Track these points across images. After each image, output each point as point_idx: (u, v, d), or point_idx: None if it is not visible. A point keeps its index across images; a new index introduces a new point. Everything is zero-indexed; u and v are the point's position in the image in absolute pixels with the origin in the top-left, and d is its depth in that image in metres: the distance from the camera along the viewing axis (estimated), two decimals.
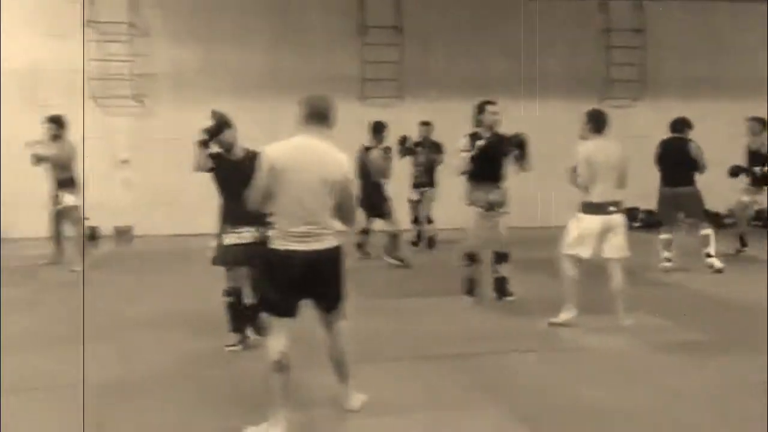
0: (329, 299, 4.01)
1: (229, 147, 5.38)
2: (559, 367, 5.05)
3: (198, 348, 5.50)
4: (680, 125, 8.60)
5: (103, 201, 10.84)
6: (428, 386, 4.65)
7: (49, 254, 8.80)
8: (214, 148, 5.40)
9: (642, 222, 11.54)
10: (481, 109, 6.79)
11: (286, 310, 3.88)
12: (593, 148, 5.91)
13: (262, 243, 5.11)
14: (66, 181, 8.52)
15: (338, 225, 4.01)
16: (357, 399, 4.22)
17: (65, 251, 8.78)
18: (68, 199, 8.49)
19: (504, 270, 6.92)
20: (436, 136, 10.16)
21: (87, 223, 11.05)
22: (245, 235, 5.24)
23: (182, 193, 11.06)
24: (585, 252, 5.86)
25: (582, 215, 5.92)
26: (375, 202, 8.69)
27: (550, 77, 12.35)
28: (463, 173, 6.79)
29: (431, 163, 10.07)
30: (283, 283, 3.85)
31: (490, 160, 6.67)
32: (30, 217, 9.91)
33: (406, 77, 12.29)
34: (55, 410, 4.30)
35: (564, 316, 5.98)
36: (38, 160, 8.31)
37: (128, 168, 11.52)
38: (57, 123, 8.47)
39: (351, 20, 12.13)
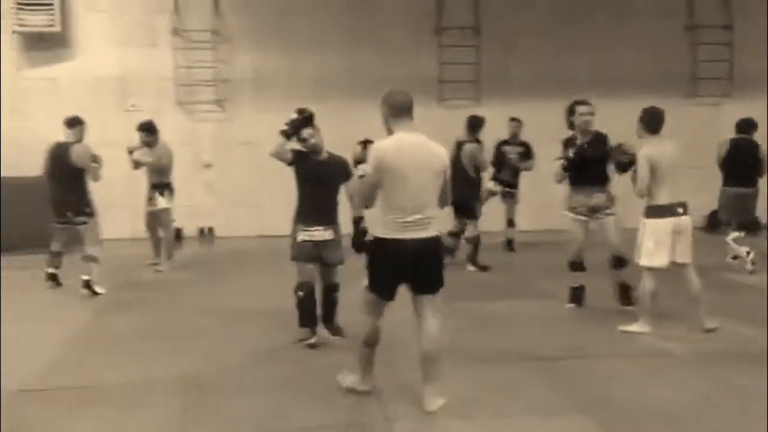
0: (428, 285, 4.25)
1: (313, 148, 5.57)
2: (641, 374, 4.91)
3: (276, 342, 5.63)
4: (746, 126, 8.48)
5: (187, 203, 11.23)
6: (512, 391, 4.60)
7: (151, 255, 9.11)
8: (297, 146, 5.57)
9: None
10: (571, 110, 6.56)
11: (389, 293, 4.24)
12: (654, 148, 5.71)
13: (333, 241, 5.46)
14: (160, 185, 8.82)
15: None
16: (436, 402, 4.27)
17: (160, 251, 9.08)
18: (161, 201, 8.79)
19: (624, 275, 6.48)
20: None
21: (173, 225, 11.51)
22: (316, 233, 5.48)
23: (262, 195, 11.36)
24: (662, 260, 5.67)
25: (650, 220, 5.71)
26: (467, 200, 8.48)
27: (634, 75, 11.99)
28: (559, 181, 6.58)
29: (518, 164, 9.93)
30: (388, 270, 4.18)
31: (590, 163, 6.36)
32: (121, 219, 10.39)
33: (484, 79, 12.20)
34: (158, 407, 4.45)
35: (638, 327, 5.82)
36: (137, 164, 8.65)
37: (211, 171, 11.86)
38: (148, 130, 8.76)
39: (428, 22, 12.12)
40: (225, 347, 5.65)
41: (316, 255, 5.55)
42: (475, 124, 8.85)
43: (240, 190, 11.76)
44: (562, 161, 6.50)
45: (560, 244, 6.29)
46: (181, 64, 11.64)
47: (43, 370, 5.03)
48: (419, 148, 4.19)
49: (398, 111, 4.20)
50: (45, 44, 11.35)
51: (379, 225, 4.19)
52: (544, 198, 11.81)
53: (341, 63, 11.98)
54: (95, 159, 7.71)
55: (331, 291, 5.74)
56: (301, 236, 5.52)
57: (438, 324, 4.27)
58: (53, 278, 7.82)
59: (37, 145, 10.83)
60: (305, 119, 5.51)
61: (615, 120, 6.87)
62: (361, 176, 4.60)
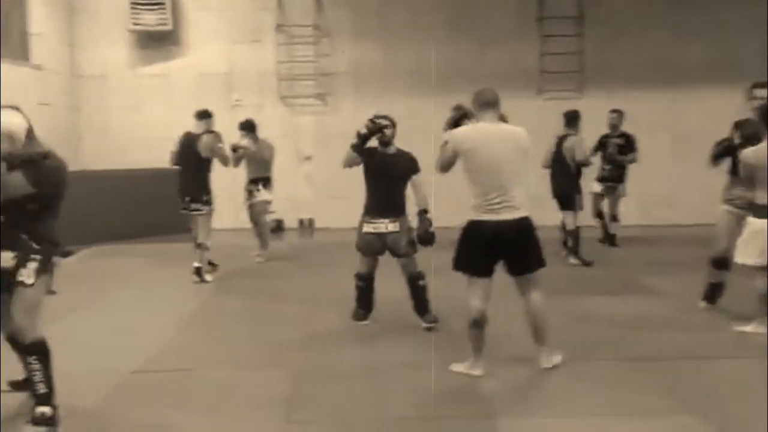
0: (521, 264, 4.57)
1: (387, 142, 5.79)
2: (755, 374, 4.63)
3: (374, 331, 5.69)
4: None
5: (288, 195, 11.51)
6: (615, 390, 4.45)
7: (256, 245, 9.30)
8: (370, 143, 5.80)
9: None
10: (752, 93, 6.13)
11: (483, 271, 4.50)
12: (758, 149, 5.38)
13: (396, 233, 5.67)
14: (260, 178, 9.03)
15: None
16: (551, 359, 4.71)
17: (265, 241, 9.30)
18: (262, 194, 9.01)
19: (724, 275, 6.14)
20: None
21: (273, 216, 11.82)
22: (380, 226, 5.68)
23: (361, 187, 11.42)
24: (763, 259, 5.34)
25: (755, 219, 5.42)
26: (568, 193, 8.42)
27: (749, 62, 11.32)
28: (716, 165, 6.13)
29: (616, 156, 9.60)
30: (480, 249, 4.46)
31: None
32: (224, 210, 10.75)
33: (587, 69, 11.84)
34: (261, 392, 4.57)
35: (754, 328, 5.51)
36: (238, 161, 8.88)
37: (311, 164, 12.08)
38: (248, 128, 9.01)
39: (529, 11, 11.87)
40: (324, 335, 5.75)
41: (380, 247, 5.73)
42: (572, 118, 8.65)
43: (339, 182, 11.87)
44: (720, 148, 6.07)
45: (663, 240, 6.11)
46: (284, 59, 11.91)
47: (154, 354, 5.26)
48: (501, 134, 4.55)
49: (483, 105, 4.57)
50: (157, 42, 11.89)
51: (471, 208, 4.49)
52: (648, 193, 11.42)
53: (441, 55, 11.91)
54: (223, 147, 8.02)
55: (414, 280, 5.76)
56: (366, 228, 5.74)
57: (540, 295, 4.64)
58: (198, 272, 7.86)
59: (149, 138, 11.48)
60: (373, 131, 5.72)
61: (726, 111, 6.51)
62: (446, 142, 4.73)
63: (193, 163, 7.81)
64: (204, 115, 8.07)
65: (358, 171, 5.94)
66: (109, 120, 11.90)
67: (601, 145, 9.69)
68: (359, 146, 5.70)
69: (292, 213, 12.02)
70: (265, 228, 9.16)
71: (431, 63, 11.93)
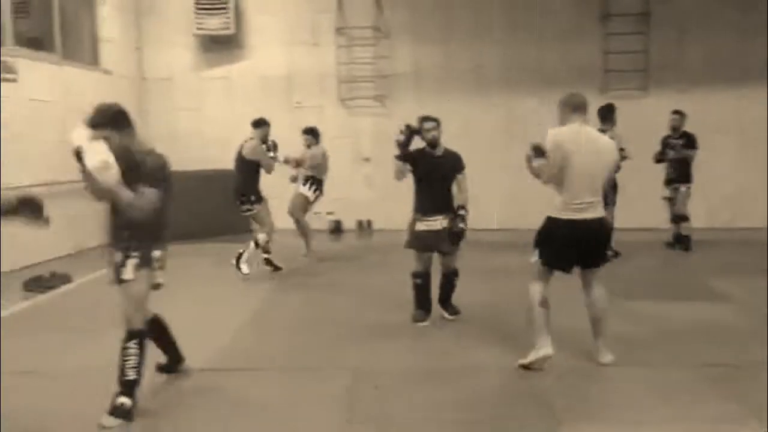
0: (595, 260, 4.83)
1: (435, 143, 5.99)
2: None
3: (433, 335, 5.66)
4: None
5: (346, 197, 11.60)
6: (685, 396, 4.35)
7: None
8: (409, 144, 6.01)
9: None
10: None
11: (563, 266, 4.79)
12: None
13: (448, 230, 5.87)
14: (309, 177, 9.14)
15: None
16: (608, 355, 4.86)
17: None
18: (302, 188, 9.12)
19: None
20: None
21: (331, 217, 11.92)
22: (435, 223, 5.89)
23: None
24: None
25: None
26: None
27: None
28: None
29: (685, 157, 9.37)
30: (561, 245, 4.70)
31: None
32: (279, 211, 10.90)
33: (652, 68, 11.55)
34: (322, 390, 4.63)
35: None
36: (307, 166, 9.08)
37: (369, 165, 12.13)
38: (312, 134, 9.23)
39: (592, 9, 11.65)
40: (384, 335, 5.77)
41: (433, 244, 5.94)
42: (607, 113, 8.56)
43: (397, 184, 11.89)
44: None
45: (731, 243, 5.90)
46: (343, 61, 11.99)
47: (216, 353, 5.36)
48: (592, 139, 4.76)
49: (575, 108, 4.76)
50: (220, 46, 12.13)
51: (554, 206, 4.70)
52: (714, 194, 11.07)
53: (501, 54, 11.82)
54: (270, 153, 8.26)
55: (451, 276, 6.11)
56: (419, 226, 5.97)
57: (602, 290, 4.87)
58: (269, 263, 8.42)
59: (211, 140, 11.73)
60: (411, 135, 6.00)
61: None
62: (531, 157, 4.85)
63: (240, 167, 8.19)
64: (259, 123, 8.39)
65: None
66: (174, 122, 12.19)
67: (663, 146, 9.49)
68: (402, 155, 5.98)
69: (350, 214, 12.10)
70: (305, 225, 9.24)
71: (491, 63, 11.85)
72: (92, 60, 11.11)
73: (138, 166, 4.01)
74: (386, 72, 12.04)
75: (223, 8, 11.70)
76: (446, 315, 6.16)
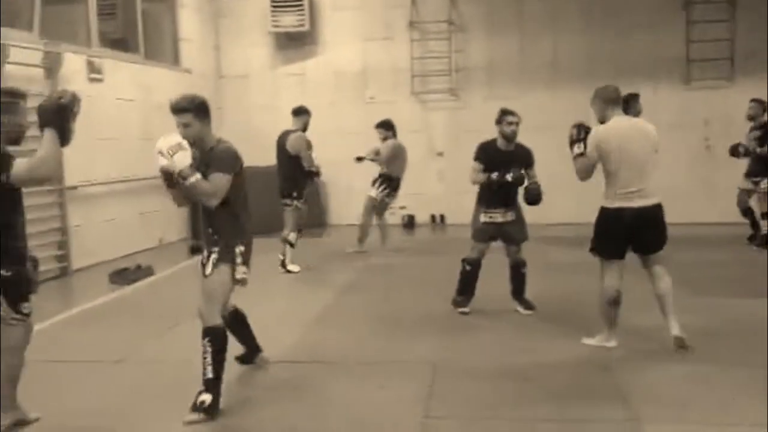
0: (653, 245, 4.98)
1: (511, 138, 5.99)
2: None
3: (503, 329, 5.60)
4: None
5: (419, 191, 11.57)
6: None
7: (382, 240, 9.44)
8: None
9: None
10: None
11: (617, 253, 4.94)
12: None
13: (515, 221, 6.02)
14: (381, 175, 9.12)
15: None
16: (679, 330, 4.96)
17: (386, 237, 9.44)
18: (370, 190, 9.10)
19: None
20: None
21: (405, 212, 11.92)
22: (497, 215, 5.99)
23: None
24: None
25: None
26: None
27: None
28: None
29: (754, 149, 8.79)
30: (617, 234, 4.88)
31: None
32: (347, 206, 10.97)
33: (738, 56, 11.07)
34: (399, 386, 4.64)
35: None
36: (362, 159, 9.09)
37: (443, 159, 12.07)
38: (385, 127, 9.17)
39: None
40: (461, 330, 5.73)
41: (496, 235, 6.07)
42: (631, 101, 8.08)
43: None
44: None
45: None
46: (416, 55, 11.96)
47: (290, 346, 5.42)
48: (636, 129, 4.96)
49: (614, 102, 4.98)
50: (294, 42, 12.29)
51: (606, 197, 4.89)
52: None
53: (578, 46, 11.55)
54: (310, 146, 8.25)
55: (519, 268, 6.14)
56: (483, 218, 6.05)
57: (664, 269, 5.00)
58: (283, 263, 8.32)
59: None
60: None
61: None
62: (579, 154, 5.02)
63: (282, 159, 8.19)
64: (299, 111, 8.36)
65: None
66: (250, 118, 12.42)
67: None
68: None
69: (423, 209, 12.08)
70: (366, 223, 9.21)
71: (568, 55, 11.60)
72: (173, 59, 11.44)
73: (210, 153, 4.12)
74: (460, 65, 11.96)
75: (299, 5, 11.85)
76: (521, 309, 6.14)
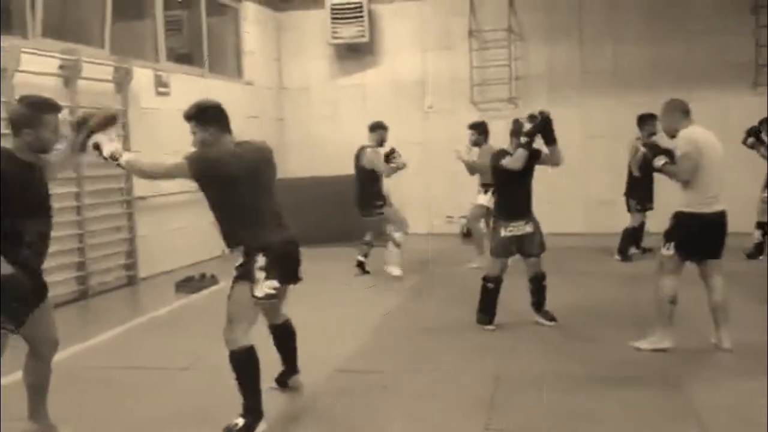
0: (717, 251, 5.13)
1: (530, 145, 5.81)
2: None
3: (560, 338, 5.49)
4: None
5: (483, 200, 11.45)
6: None
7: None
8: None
9: None
10: None
11: (694, 255, 5.14)
12: None
13: (533, 233, 5.90)
14: (484, 185, 8.63)
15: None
16: (729, 341, 5.09)
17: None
18: (481, 198, 8.74)
19: None
20: None
21: (465, 221, 11.81)
22: (517, 227, 5.87)
23: (561, 191, 11.06)
24: None
25: None
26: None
27: None
28: None
29: None
30: (696, 236, 5.04)
31: None
32: (416, 215, 10.96)
33: None
34: (459, 396, 4.63)
35: None
36: (471, 169, 8.68)
37: None
38: (478, 129, 8.79)
39: (744, 0, 10.91)
40: (524, 341, 5.68)
41: (515, 249, 5.94)
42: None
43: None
44: None
45: None
46: (475, 64, 11.92)
47: (352, 355, 5.46)
48: (711, 136, 5.13)
49: (685, 112, 5.13)
50: (354, 53, 12.41)
51: (686, 201, 5.03)
52: None
53: (642, 53, 11.31)
54: (388, 158, 8.27)
55: (539, 281, 6.05)
56: (504, 232, 5.89)
57: (721, 279, 5.16)
58: (360, 266, 8.64)
59: (345, 146, 11.99)
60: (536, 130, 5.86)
61: None
62: (665, 163, 5.13)
63: (360, 174, 8.33)
64: (375, 127, 8.45)
65: (557, 175, 5.89)
66: (310, 129, 12.60)
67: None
68: (530, 144, 5.78)
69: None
70: (479, 234, 8.87)
71: (630, 61, 11.37)
72: (236, 72, 11.70)
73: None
74: (520, 74, 11.86)
75: (359, 17, 11.96)
76: (543, 321, 6.05)
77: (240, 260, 4.00)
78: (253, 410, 3.94)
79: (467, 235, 11.80)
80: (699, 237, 5.06)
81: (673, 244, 5.09)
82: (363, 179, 8.35)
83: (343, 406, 4.46)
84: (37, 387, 3.86)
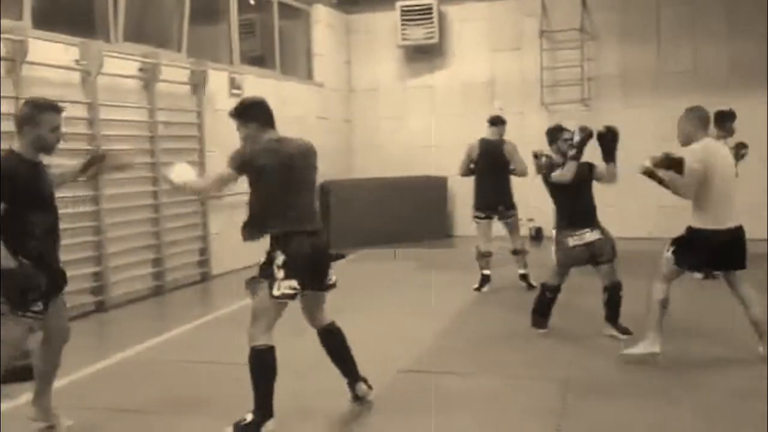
0: (736, 263, 4.99)
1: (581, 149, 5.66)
2: None
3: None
4: None
5: (547, 203, 11.28)
6: None
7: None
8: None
9: None
10: None
11: (696, 268, 5.33)
12: None
13: (601, 239, 5.67)
14: None
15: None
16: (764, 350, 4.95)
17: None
18: None
19: None
20: None
21: (532, 224, 11.70)
22: (587, 235, 5.64)
23: (625, 195, 10.81)
24: None
25: None
26: None
27: None
28: None
29: None
30: (703, 252, 4.89)
31: None
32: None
33: None
34: (529, 403, 4.60)
35: None
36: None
37: None
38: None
39: None
40: (594, 347, 5.57)
41: (586, 258, 5.70)
42: (726, 119, 7.64)
43: (602, 191, 11.45)
44: None
45: None
46: (546, 64, 11.76)
47: (420, 356, 5.45)
48: (723, 149, 5.09)
49: (706, 121, 4.97)
50: (423, 55, 12.42)
51: (699, 217, 4.89)
52: None
53: (720, 53, 10.94)
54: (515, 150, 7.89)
55: (616, 289, 5.73)
56: (572, 241, 5.67)
57: (750, 288, 5.03)
58: (524, 278, 7.89)
59: (413, 147, 12.05)
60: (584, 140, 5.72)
61: None
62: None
63: (496, 170, 7.76)
64: (496, 121, 7.95)
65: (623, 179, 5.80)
66: (379, 131, 12.68)
67: None
68: (579, 156, 5.67)
69: (550, 221, 11.75)
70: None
71: (709, 61, 11.01)
72: (306, 74, 11.89)
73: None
74: (592, 74, 11.65)
75: (428, 18, 11.98)
76: (617, 334, 5.68)
77: (262, 259, 4.06)
78: (262, 408, 3.94)
79: (536, 238, 11.69)
80: (706, 253, 4.90)
81: (672, 249, 4.99)
82: (504, 174, 7.77)
83: (412, 406, 4.46)
84: (44, 374, 4.02)
